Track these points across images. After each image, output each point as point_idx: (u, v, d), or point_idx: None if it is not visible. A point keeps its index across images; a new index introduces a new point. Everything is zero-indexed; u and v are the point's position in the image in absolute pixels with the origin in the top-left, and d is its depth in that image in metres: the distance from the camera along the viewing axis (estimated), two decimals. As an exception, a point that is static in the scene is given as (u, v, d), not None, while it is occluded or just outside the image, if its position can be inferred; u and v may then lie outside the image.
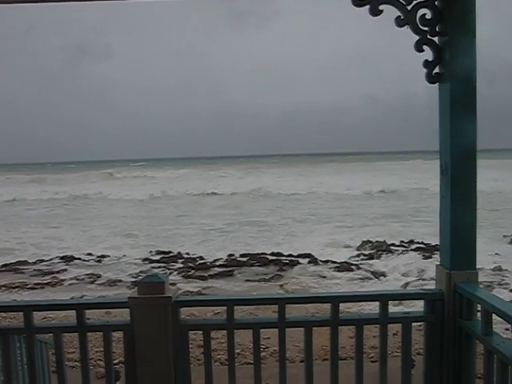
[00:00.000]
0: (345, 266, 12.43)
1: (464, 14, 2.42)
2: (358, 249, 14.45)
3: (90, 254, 14.61)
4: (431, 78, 2.51)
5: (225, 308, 2.59)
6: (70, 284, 11.89)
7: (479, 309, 2.35)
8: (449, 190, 2.50)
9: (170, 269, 12.77)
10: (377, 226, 18.51)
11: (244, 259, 13.48)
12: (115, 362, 3.02)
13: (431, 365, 2.58)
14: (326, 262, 12.92)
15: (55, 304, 3.15)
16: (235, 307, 2.58)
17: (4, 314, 6.58)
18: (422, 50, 2.47)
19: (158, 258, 14.09)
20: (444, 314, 2.53)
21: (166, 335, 2.48)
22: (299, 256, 13.59)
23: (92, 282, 11.96)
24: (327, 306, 2.61)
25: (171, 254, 14.35)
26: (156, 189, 34.72)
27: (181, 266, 13.14)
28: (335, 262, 12.75)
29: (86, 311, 2.59)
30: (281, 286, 11.17)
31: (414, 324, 2.62)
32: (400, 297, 3.80)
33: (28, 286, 11.53)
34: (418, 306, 2.96)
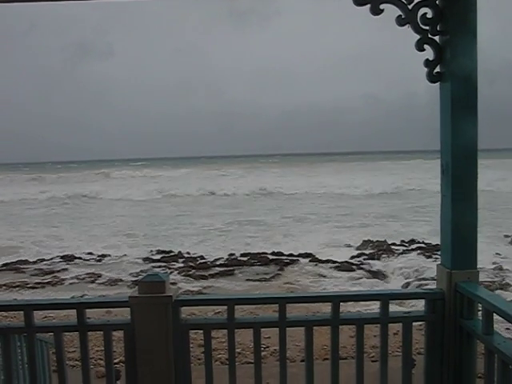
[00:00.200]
0: (345, 266, 12.43)
1: (465, 13, 2.41)
2: (358, 248, 14.44)
3: (90, 254, 14.63)
4: (432, 78, 2.51)
5: (225, 307, 2.58)
6: (70, 283, 11.89)
7: (480, 308, 2.35)
8: (450, 190, 2.49)
9: (170, 268, 12.77)
10: (377, 225, 18.52)
11: (244, 259, 13.48)
12: (116, 361, 3.01)
13: (432, 364, 2.57)
14: (327, 261, 12.91)
15: (56, 303, 3.15)
16: (236, 306, 2.57)
17: (5, 313, 6.58)
18: (423, 50, 2.46)
19: (158, 257, 14.10)
20: (445, 313, 2.53)
21: (166, 334, 2.48)
22: (300, 255, 13.60)
23: (93, 282, 11.96)
24: (328, 306, 2.61)
25: (172, 254, 14.35)
26: (156, 188, 34.72)
27: (181, 265, 13.14)
28: (336, 262, 12.75)
29: (87, 310, 2.59)
30: (281, 285, 11.16)
31: (414, 323, 2.62)
32: (401, 296, 3.81)
33: (29, 285, 11.54)
34: (418, 306, 2.96)
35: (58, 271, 12.88)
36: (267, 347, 5.95)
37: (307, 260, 13.21)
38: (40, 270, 12.98)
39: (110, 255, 14.39)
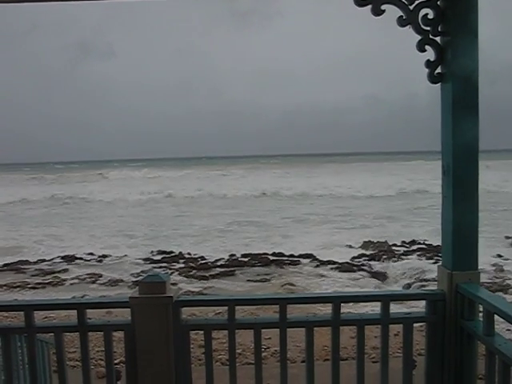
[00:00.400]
0: (346, 267, 12.42)
1: (466, 14, 2.41)
2: (359, 249, 14.44)
3: (91, 254, 14.63)
4: (433, 78, 2.50)
5: (226, 308, 2.58)
6: (71, 284, 11.90)
7: (481, 309, 2.35)
8: (451, 190, 2.49)
9: (171, 269, 12.77)
10: (378, 226, 18.51)
11: (245, 259, 13.48)
12: (116, 361, 3.02)
13: (432, 365, 2.57)
14: (328, 262, 12.91)
15: (56, 303, 3.15)
16: (236, 307, 2.57)
17: (5, 314, 6.58)
18: (424, 50, 2.46)
19: (159, 257, 14.10)
20: (445, 314, 2.52)
21: (166, 335, 2.48)
22: (300, 256, 13.60)
23: (93, 282, 11.97)
24: (328, 307, 2.61)
25: (172, 254, 14.36)
26: (156, 188, 34.73)
27: (182, 265, 13.15)
28: (336, 263, 12.75)
29: (87, 311, 2.59)
30: (282, 286, 11.16)
31: (415, 324, 2.62)
32: (402, 297, 3.80)
33: (29, 286, 11.55)
34: (419, 307, 2.96)
35: (59, 271, 12.89)
36: (268, 348, 5.95)
37: (308, 261, 13.21)
38: (41, 271, 12.99)
39: (110, 255, 14.40)
